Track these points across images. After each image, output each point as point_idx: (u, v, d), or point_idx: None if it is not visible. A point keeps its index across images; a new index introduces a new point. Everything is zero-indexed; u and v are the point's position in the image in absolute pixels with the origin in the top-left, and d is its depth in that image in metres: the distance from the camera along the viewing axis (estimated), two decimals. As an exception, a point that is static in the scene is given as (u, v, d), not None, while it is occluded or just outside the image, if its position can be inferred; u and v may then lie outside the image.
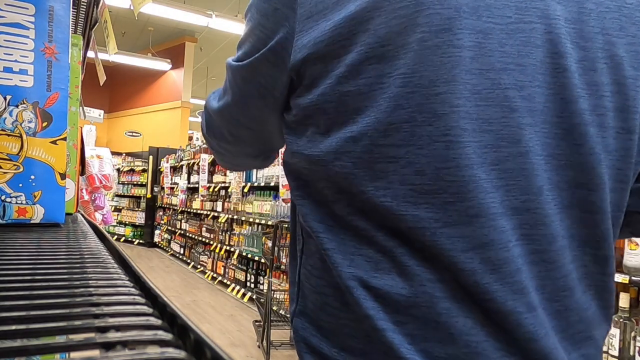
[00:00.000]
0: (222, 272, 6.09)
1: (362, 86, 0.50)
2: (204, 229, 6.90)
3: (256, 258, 5.18)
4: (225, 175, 6.33)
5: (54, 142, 0.56)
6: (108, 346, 0.18)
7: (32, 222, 0.55)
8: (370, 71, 0.50)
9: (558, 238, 0.52)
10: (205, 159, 6.80)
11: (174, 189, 8.37)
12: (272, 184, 4.95)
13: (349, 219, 0.53)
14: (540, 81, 0.50)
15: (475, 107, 0.48)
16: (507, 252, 0.49)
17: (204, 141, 0.83)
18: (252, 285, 5.25)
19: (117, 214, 9.92)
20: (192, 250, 7.38)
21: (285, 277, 4.27)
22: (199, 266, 6.96)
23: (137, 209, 9.78)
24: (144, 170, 9.64)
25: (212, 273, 6.42)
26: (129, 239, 9.74)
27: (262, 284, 5.07)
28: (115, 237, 9.76)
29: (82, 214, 0.84)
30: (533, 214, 0.50)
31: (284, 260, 4.30)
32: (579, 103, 0.51)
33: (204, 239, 6.86)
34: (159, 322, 0.21)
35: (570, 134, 0.51)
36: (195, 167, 7.36)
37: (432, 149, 0.48)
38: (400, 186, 0.50)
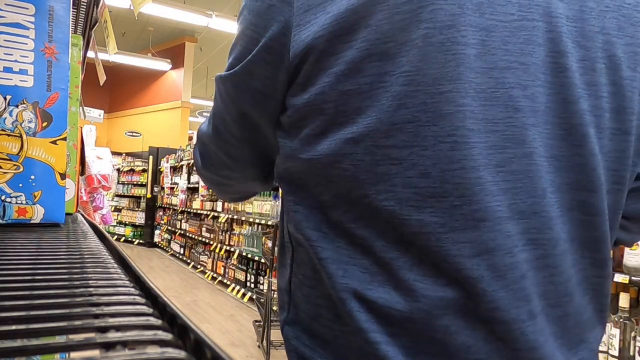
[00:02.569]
0: (222, 272, 6.08)
1: (363, 85, 0.48)
2: (204, 229, 6.89)
3: (256, 258, 5.18)
4: (225, 175, 6.32)
5: (54, 142, 0.56)
6: (108, 346, 0.18)
7: (32, 222, 0.55)
8: (372, 69, 0.48)
9: (560, 242, 0.51)
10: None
11: (174, 189, 8.37)
12: (272, 183, 4.95)
13: (347, 226, 0.51)
14: (542, 80, 0.49)
15: (480, 106, 0.47)
16: (512, 258, 0.48)
17: (201, 180, 0.79)
18: (252, 285, 5.25)
19: (117, 214, 9.91)
20: (192, 250, 7.37)
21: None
22: (199, 266, 6.96)
23: (137, 209, 9.77)
24: (144, 170, 9.63)
25: (212, 273, 6.41)
26: (129, 239, 9.74)
27: (262, 284, 5.07)
28: (115, 237, 9.75)
29: (81, 214, 0.84)
30: (540, 217, 0.49)
31: (284, 260, 4.29)
32: (579, 103, 0.50)
33: (204, 239, 6.85)
34: (159, 322, 0.21)
35: (571, 135, 0.50)
36: (195, 167, 7.34)
37: (437, 149, 0.47)
38: (403, 189, 0.48)
